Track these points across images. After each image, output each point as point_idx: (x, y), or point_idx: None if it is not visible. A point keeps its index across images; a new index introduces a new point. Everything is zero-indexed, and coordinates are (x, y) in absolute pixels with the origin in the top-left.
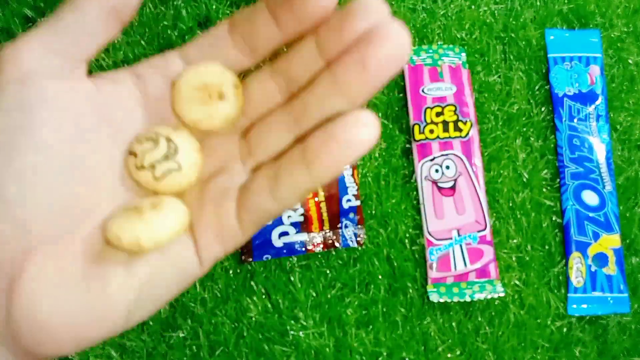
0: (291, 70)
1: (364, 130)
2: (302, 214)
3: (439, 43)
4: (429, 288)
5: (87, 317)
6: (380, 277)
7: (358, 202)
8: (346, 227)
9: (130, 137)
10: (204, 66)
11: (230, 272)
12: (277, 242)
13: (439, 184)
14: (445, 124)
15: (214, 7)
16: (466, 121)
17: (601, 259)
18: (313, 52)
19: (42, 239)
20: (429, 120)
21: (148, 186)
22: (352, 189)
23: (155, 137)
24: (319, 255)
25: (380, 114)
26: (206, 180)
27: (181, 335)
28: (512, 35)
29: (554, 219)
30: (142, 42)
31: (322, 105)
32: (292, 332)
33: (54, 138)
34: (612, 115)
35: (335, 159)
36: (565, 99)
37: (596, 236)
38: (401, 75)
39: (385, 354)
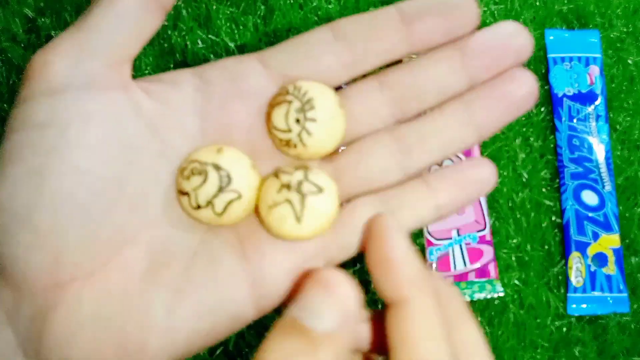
0: (414, 87)
1: (489, 173)
2: None
3: None
4: None
5: (123, 356)
6: None
7: None
8: None
9: (182, 153)
10: (306, 84)
11: None
12: None
13: None
14: None
15: (214, 7)
16: None
17: (601, 258)
18: (453, 71)
19: (76, 272)
20: None
21: (212, 223)
22: None
23: (201, 168)
24: None
25: None
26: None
27: None
28: None
29: (553, 218)
30: None
31: (448, 135)
32: None
33: (90, 160)
34: (611, 115)
35: (465, 198)
36: (564, 99)
37: (596, 236)
38: None
39: None
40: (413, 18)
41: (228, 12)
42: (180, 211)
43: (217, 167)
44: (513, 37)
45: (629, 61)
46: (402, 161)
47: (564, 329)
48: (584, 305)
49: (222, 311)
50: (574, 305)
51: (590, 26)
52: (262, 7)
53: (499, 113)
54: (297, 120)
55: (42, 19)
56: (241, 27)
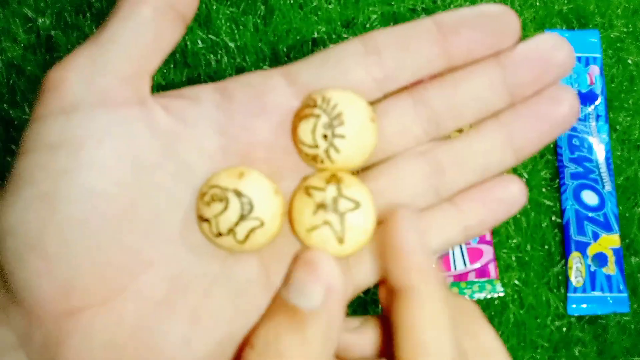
0: (451, 105)
1: (519, 191)
2: None
3: None
4: None
5: None
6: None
7: None
8: None
9: (201, 174)
10: (336, 95)
11: None
12: None
13: None
14: None
15: (214, 7)
16: None
17: (601, 258)
18: (493, 88)
19: (88, 299)
20: None
21: (233, 250)
22: None
23: (222, 194)
24: None
25: None
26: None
27: None
28: None
29: (553, 218)
30: None
31: (485, 158)
32: None
33: (103, 183)
34: (611, 115)
35: (494, 219)
36: None
37: (596, 236)
38: None
39: None
40: (451, 30)
41: (228, 12)
42: (200, 235)
43: (239, 194)
44: (555, 51)
45: (629, 61)
46: (435, 185)
47: (564, 329)
48: (584, 305)
49: (242, 341)
50: (574, 305)
51: (590, 26)
52: (262, 7)
53: (539, 134)
54: (325, 136)
55: (42, 19)
56: (241, 27)
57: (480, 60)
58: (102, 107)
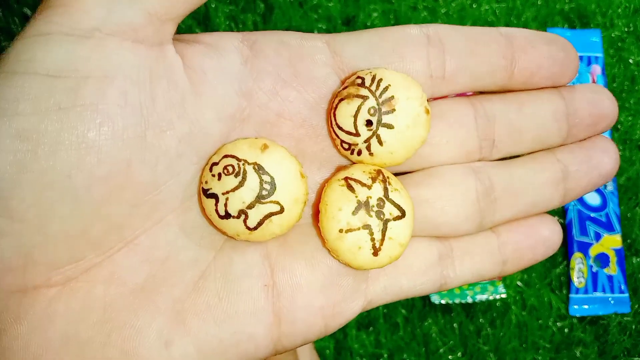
0: (514, 125)
1: (558, 233)
2: None
3: None
4: None
5: None
6: None
7: None
8: None
9: (214, 141)
10: (389, 75)
11: None
12: None
13: None
14: None
15: (213, 5)
16: None
17: (602, 259)
18: (556, 120)
19: (52, 274)
20: None
21: (238, 237)
22: None
23: (239, 167)
24: None
25: None
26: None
27: None
28: None
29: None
30: None
31: (538, 191)
32: None
33: (101, 132)
34: None
35: (532, 258)
36: None
37: (598, 236)
38: None
39: (385, 355)
40: (520, 48)
41: (227, 10)
42: (197, 214)
43: (260, 170)
44: (608, 102)
45: (630, 61)
46: (483, 210)
47: (566, 330)
48: (586, 306)
49: (233, 348)
50: (575, 306)
51: (592, 25)
52: (262, 5)
53: (589, 180)
54: (369, 124)
55: None
56: (240, 25)
57: (539, 88)
58: (120, 40)
